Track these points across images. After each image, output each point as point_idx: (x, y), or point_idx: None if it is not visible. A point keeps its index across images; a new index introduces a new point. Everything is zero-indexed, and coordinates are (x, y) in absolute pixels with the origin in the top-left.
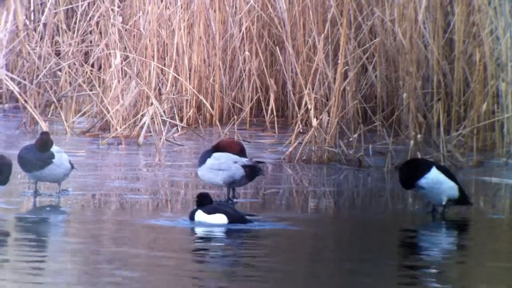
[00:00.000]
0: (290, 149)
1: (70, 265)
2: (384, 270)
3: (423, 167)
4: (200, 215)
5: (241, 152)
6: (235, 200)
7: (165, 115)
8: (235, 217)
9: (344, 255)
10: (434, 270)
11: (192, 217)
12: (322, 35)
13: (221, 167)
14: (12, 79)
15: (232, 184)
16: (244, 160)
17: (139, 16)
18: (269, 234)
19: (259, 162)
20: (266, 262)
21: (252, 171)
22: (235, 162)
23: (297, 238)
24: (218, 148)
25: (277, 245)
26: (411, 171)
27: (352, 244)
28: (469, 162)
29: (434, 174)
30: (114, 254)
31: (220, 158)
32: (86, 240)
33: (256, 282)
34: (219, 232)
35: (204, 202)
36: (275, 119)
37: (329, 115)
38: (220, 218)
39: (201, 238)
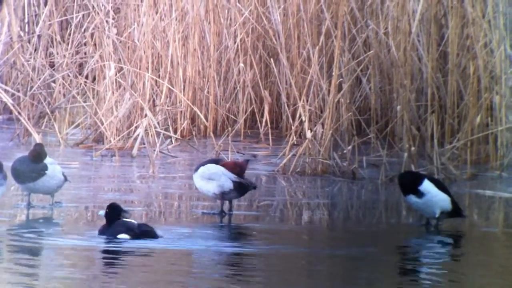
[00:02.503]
0: (284, 161)
1: (63, 280)
2: (378, 283)
3: (415, 180)
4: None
5: (240, 173)
6: (230, 213)
7: (159, 126)
8: (137, 234)
9: (336, 268)
10: (426, 284)
11: (101, 233)
12: (317, 47)
13: (211, 177)
14: (5, 90)
15: (222, 195)
16: (232, 176)
17: (134, 28)
18: (262, 251)
19: (254, 187)
20: (260, 278)
21: (242, 187)
22: (224, 175)
23: (291, 252)
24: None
25: (271, 262)
26: (407, 182)
27: (344, 258)
28: (463, 175)
29: (425, 187)
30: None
31: (210, 169)
32: (78, 258)
33: None
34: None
35: (112, 215)
36: (269, 131)
37: (323, 127)
38: (124, 236)
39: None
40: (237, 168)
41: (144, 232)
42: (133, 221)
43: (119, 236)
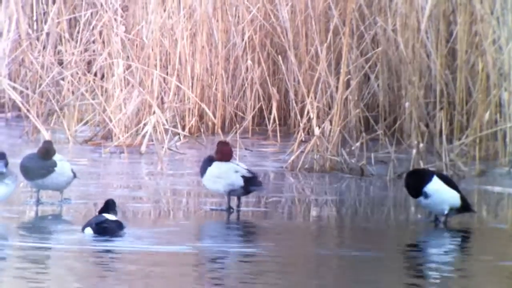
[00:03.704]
0: (292, 157)
1: (71, 277)
2: (385, 284)
3: (420, 181)
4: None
5: (228, 154)
6: (239, 209)
7: (168, 123)
8: (100, 230)
9: (343, 269)
10: (436, 281)
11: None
12: (325, 44)
13: (222, 176)
14: (14, 88)
15: (231, 192)
16: (244, 171)
17: (142, 26)
18: (268, 247)
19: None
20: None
21: (249, 183)
22: (236, 172)
23: (299, 252)
24: (214, 159)
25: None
26: (416, 180)
27: (352, 258)
28: (471, 172)
29: (431, 188)
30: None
31: (220, 167)
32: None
33: None
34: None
35: (102, 210)
36: (277, 127)
37: (331, 124)
38: (88, 231)
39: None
40: (225, 154)
41: (104, 228)
42: (106, 216)
43: (85, 231)
